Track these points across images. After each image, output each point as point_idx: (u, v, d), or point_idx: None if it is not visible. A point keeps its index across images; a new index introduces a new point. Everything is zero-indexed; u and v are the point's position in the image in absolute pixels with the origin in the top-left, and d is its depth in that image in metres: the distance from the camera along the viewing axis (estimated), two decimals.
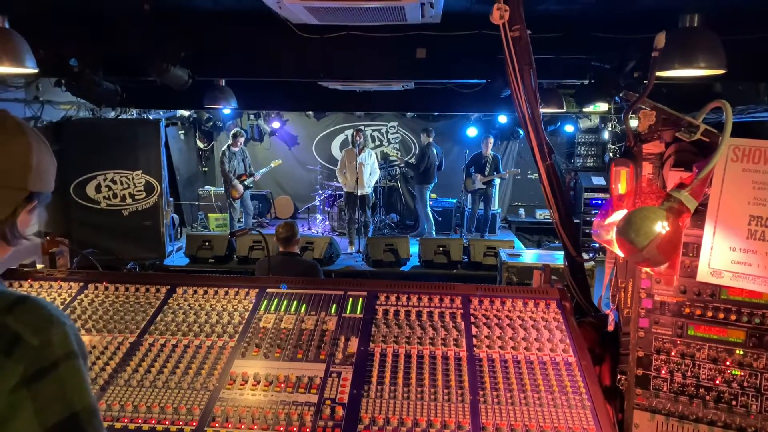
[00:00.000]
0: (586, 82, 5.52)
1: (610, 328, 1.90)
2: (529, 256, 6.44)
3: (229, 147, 9.11)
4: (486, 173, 9.62)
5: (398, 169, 11.77)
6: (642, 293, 1.74)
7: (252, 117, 11.66)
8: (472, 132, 11.00)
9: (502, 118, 10.52)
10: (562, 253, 2.27)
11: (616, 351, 1.87)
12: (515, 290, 2.19)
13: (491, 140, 9.73)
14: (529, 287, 2.23)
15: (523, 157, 11.48)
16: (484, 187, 9.65)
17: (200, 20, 4.88)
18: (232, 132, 9.30)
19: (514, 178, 11.56)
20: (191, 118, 10.96)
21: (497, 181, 9.90)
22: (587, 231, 9.78)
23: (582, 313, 2.20)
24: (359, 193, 8.57)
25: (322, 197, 10.87)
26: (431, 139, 9.66)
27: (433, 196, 10.48)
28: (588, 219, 9.89)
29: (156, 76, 5.15)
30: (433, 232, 9.94)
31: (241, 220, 9.57)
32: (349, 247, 8.90)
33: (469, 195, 10.13)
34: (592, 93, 5.79)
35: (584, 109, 6.92)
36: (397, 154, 10.21)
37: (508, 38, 1.94)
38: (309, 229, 10.62)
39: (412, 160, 9.80)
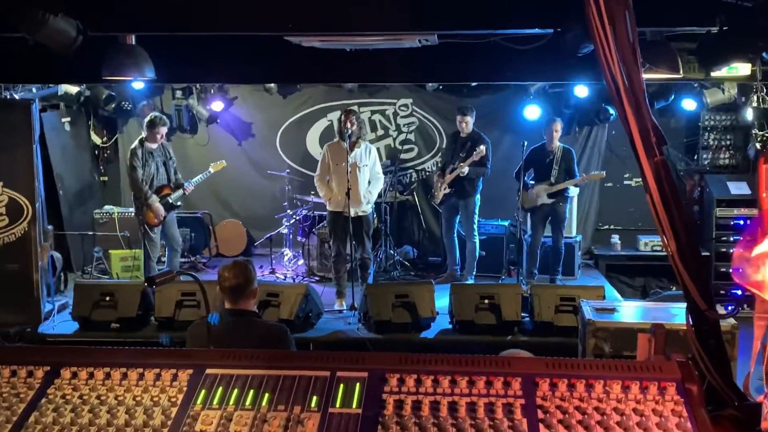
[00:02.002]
0: (714, 30, 5.54)
1: (765, 425, 1.89)
2: (630, 311, 6.38)
3: (142, 143, 9.17)
4: (553, 180, 9.62)
5: (415, 174, 11.77)
6: None
7: (179, 94, 11.76)
8: (532, 113, 11.01)
9: (581, 90, 10.55)
10: (683, 305, 2.26)
11: None
12: (609, 366, 2.18)
13: (559, 126, 9.72)
14: (632, 361, 2.21)
15: (615, 153, 11.51)
16: (551, 201, 9.65)
17: None
18: (147, 119, 9.36)
19: (602, 185, 11.54)
20: (82, 98, 11.03)
21: (572, 190, 9.89)
22: (723, 269, 9.72)
23: (718, 402, 2.19)
24: (352, 213, 8.59)
25: (292, 221, 10.87)
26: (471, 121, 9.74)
27: None
28: (724, 250, 9.81)
29: (26, 31, 5.20)
30: (473, 273, 9.94)
31: (163, 259, 9.58)
32: (338, 302, 8.89)
33: (528, 215, 10.09)
34: (725, 48, 5.80)
35: (713, 74, 6.94)
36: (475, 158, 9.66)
37: None
38: (272, 272, 10.61)
39: (468, 166, 9.60)
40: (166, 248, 9.53)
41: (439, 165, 10.64)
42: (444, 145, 11.34)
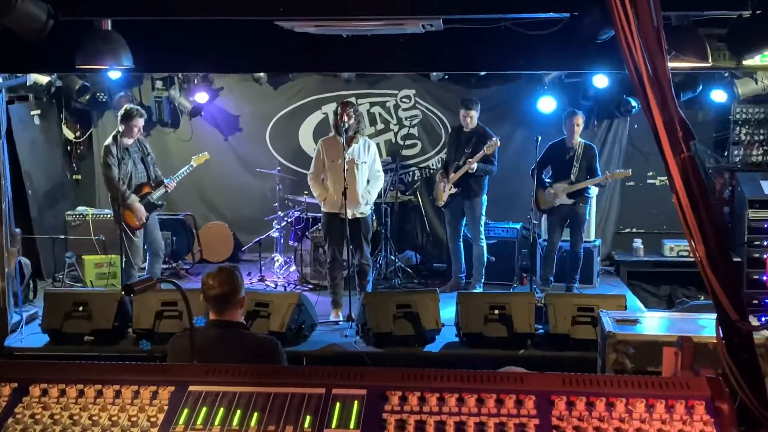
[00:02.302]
0: (746, 14, 5.54)
1: None
2: (654, 322, 6.38)
3: (116, 138, 9.14)
4: (573, 178, 9.62)
5: (418, 172, 11.75)
6: None
7: (160, 85, 11.74)
8: (546, 105, 11.01)
9: (600, 80, 10.55)
10: (713, 316, 2.25)
11: None
12: (631, 383, 2.18)
13: (581, 119, 9.72)
14: (657, 378, 2.21)
15: (638, 148, 11.51)
16: (571, 202, 9.65)
17: None
18: (122, 111, 9.34)
19: (623, 184, 11.53)
20: (53, 89, 11.03)
21: (593, 190, 9.89)
22: (756, 276, 9.70)
23: (751, 422, 2.19)
24: (349, 214, 8.58)
25: (283, 223, 10.86)
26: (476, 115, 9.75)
27: None
28: (757, 255, 9.80)
29: None
30: (481, 281, 9.94)
31: (144, 265, 9.57)
32: (334, 312, 8.89)
33: (544, 217, 10.07)
34: (758, 34, 5.80)
35: (745, 63, 6.94)
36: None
37: None
38: (262, 280, 10.62)
39: (479, 164, 9.58)
40: (147, 253, 9.51)
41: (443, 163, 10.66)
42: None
